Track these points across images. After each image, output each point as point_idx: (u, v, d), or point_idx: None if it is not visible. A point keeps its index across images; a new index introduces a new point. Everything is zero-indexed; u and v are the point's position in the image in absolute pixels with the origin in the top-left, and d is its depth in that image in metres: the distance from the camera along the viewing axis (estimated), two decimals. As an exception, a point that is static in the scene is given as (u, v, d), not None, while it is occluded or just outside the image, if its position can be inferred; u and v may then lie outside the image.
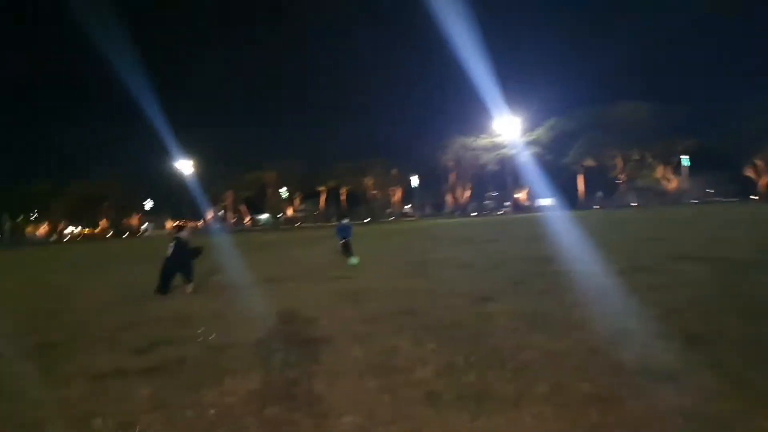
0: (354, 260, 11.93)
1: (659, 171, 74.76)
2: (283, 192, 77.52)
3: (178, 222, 12.24)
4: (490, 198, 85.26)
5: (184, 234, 9.51)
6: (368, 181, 76.40)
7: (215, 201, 73.56)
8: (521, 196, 78.10)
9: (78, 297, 9.53)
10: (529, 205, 77.16)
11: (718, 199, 78.98)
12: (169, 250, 9.10)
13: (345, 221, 13.73)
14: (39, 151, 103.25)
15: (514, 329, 5.10)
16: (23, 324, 7.02)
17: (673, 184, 75.67)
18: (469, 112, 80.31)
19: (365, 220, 74.86)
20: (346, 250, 12.58)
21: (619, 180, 75.89)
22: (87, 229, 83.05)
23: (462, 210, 76.76)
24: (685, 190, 78.95)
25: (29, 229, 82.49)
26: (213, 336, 5.36)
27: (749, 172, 71.84)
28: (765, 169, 69.77)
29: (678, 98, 72.42)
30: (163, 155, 62.04)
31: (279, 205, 78.23)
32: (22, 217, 76.74)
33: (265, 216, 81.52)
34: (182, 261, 9.14)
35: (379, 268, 11.19)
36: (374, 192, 79.28)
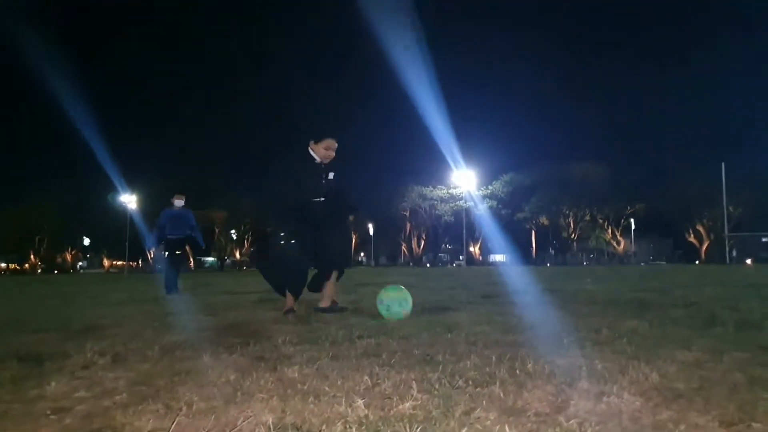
0: None
1: (609, 232, 76.22)
2: (233, 233, 74.55)
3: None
4: (445, 250, 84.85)
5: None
6: (323, 226, 74.23)
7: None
8: (475, 249, 77.79)
9: None
10: (482, 260, 76.82)
11: (661, 262, 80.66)
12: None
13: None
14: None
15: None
16: None
17: (621, 246, 77.12)
18: (426, 162, 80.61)
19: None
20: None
21: (571, 239, 76.77)
22: (14, 264, 77.41)
23: (416, 260, 75.60)
24: (633, 252, 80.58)
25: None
26: None
27: (692, 239, 73.88)
28: (706, 235, 71.60)
29: (631, 161, 74.43)
30: (104, 188, 58.83)
31: (226, 247, 75.03)
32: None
33: (210, 258, 78.06)
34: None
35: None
36: (329, 238, 77.21)
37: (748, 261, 60.51)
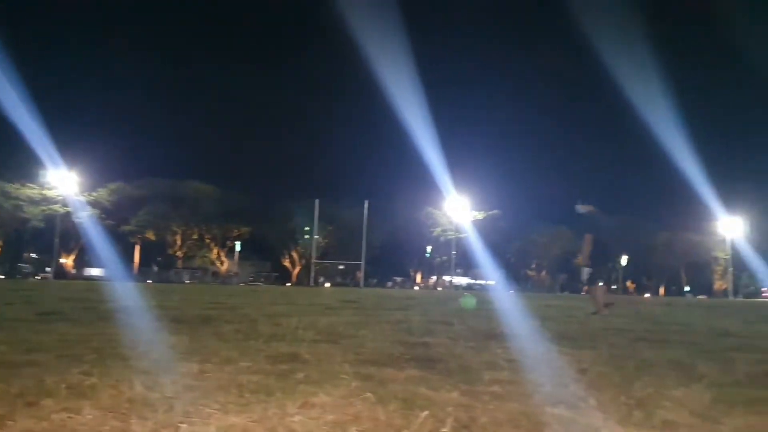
0: None
1: (215, 252, 79.17)
2: None
3: None
4: (29, 260, 72.89)
5: None
6: None
7: None
8: (68, 261, 69.11)
9: None
10: (77, 273, 68.80)
11: (259, 283, 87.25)
12: None
13: None
14: None
15: None
16: None
17: (225, 266, 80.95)
18: (12, 154, 67.06)
19: None
20: None
21: (176, 256, 76.32)
22: None
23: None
24: (236, 272, 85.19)
25: None
26: None
27: (286, 263, 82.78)
28: (298, 260, 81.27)
29: (241, 187, 78.66)
30: None
31: None
32: None
33: None
34: None
35: None
36: None
37: (327, 284, 71.29)
